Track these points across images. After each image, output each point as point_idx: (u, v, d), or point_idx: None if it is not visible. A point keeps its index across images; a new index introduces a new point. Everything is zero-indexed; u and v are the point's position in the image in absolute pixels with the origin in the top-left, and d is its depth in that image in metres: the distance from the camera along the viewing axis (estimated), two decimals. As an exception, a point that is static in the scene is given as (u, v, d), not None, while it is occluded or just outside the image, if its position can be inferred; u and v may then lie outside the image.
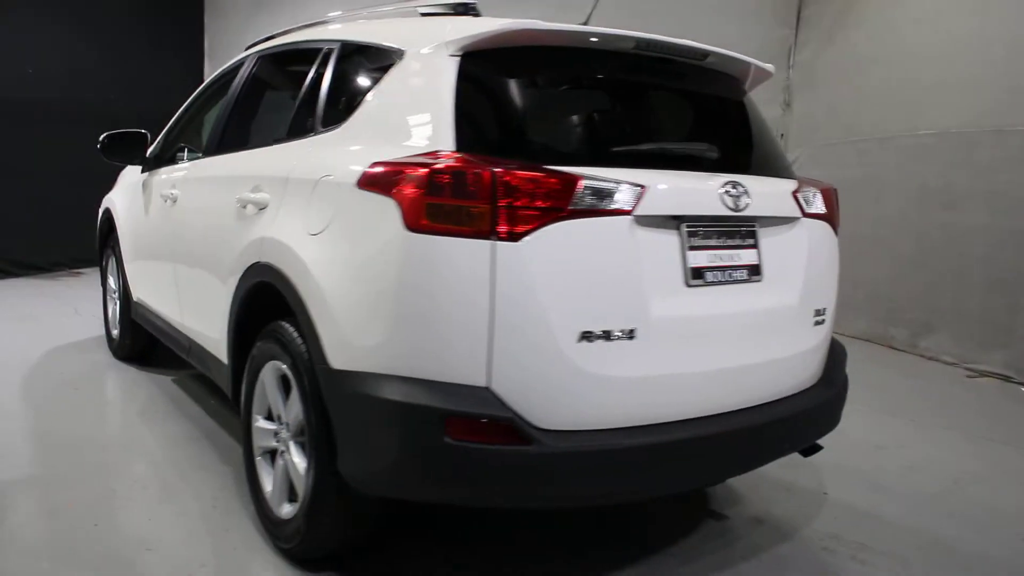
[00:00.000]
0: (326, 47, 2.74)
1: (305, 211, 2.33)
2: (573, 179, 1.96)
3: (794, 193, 2.43)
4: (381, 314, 2.01)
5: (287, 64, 3.11)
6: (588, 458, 1.98)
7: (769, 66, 2.63)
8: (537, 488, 1.98)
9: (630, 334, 2.02)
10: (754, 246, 2.31)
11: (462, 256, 1.91)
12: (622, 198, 2.01)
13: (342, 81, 2.57)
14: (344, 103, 2.49)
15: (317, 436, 2.22)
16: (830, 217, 2.59)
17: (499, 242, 1.90)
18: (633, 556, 2.63)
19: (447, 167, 1.93)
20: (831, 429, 2.75)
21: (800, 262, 2.43)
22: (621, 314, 2.01)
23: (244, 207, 2.71)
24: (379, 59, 2.40)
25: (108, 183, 4.79)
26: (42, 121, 7.60)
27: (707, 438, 2.14)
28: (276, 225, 2.47)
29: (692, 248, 2.16)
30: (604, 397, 2.01)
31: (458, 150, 1.99)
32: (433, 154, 1.99)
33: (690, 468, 2.17)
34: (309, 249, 2.25)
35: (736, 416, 2.22)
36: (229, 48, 8.53)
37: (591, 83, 2.36)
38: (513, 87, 2.16)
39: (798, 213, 2.43)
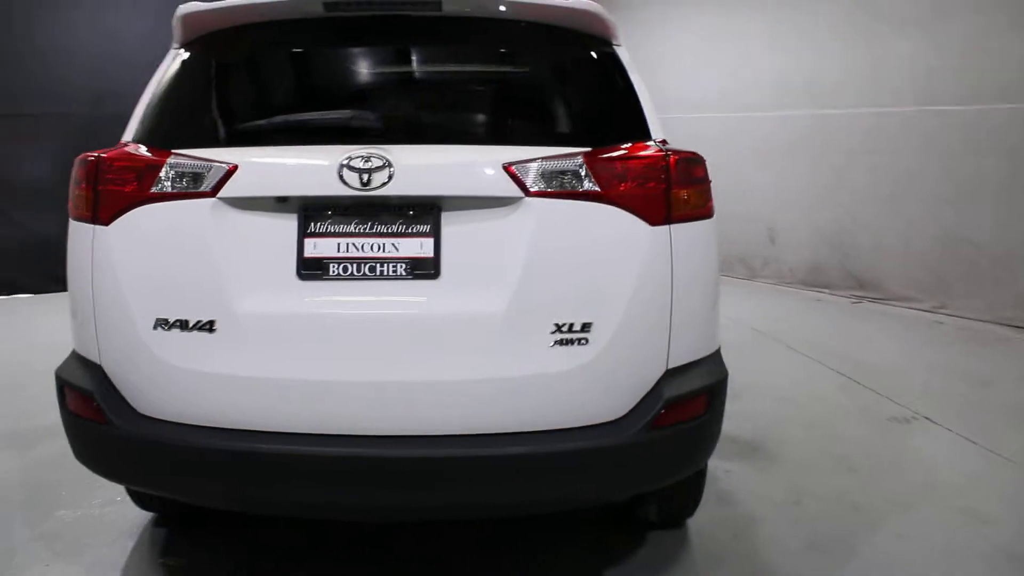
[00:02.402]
0: None
1: None
2: (156, 162, 1.89)
3: (509, 167, 1.85)
4: None
5: None
6: (151, 449, 1.88)
7: (572, 2, 2.00)
8: (117, 468, 1.97)
9: (209, 327, 1.86)
10: (429, 234, 1.85)
11: (78, 239, 2.00)
12: (205, 179, 1.86)
13: None
14: None
15: None
16: (630, 198, 1.87)
17: (96, 226, 1.95)
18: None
19: (79, 158, 2.03)
20: (631, 490, 2.03)
21: (517, 257, 1.84)
22: (199, 304, 1.86)
23: None
24: None
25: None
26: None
27: (320, 459, 1.82)
28: None
29: (311, 235, 1.86)
30: (184, 389, 1.88)
31: (133, 141, 2.07)
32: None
33: (292, 491, 1.85)
34: None
35: (380, 443, 1.82)
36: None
37: (275, 58, 2.15)
38: (200, 73, 2.12)
39: (517, 192, 1.85)
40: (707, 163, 2.10)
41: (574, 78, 2.15)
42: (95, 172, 1.95)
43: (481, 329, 1.83)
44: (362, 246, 1.85)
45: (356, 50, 2.13)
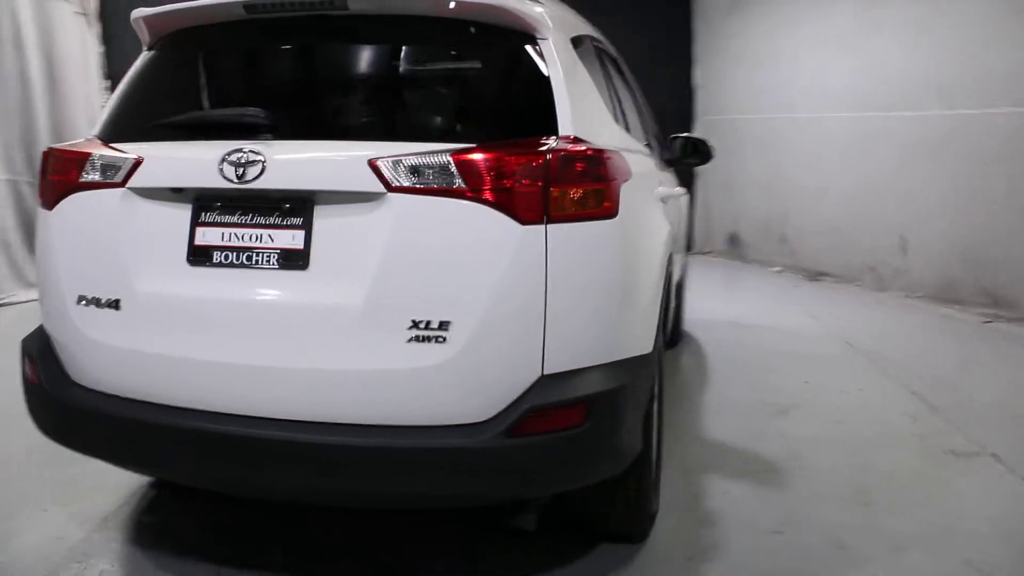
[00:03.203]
0: None
1: None
2: (85, 155, 2.09)
3: (373, 162, 1.85)
4: None
5: None
6: (75, 413, 2.09)
7: None
8: (50, 427, 2.18)
9: (115, 304, 2.03)
10: (301, 227, 1.91)
11: (38, 223, 2.26)
12: (117, 171, 2.03)
13: None
14: None
15: None
16: (498, 195, 1.82)
17: (45, 211, 2.19)
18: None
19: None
20: (489, 494, 2.00)
21: (377, 252, 1.85)
22: (108, 283, 2.04)
23: None
24: None
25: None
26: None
27: (200, 433, 1.94)
28: None
29: (202, 224, 1.98)
30: (99, 360, 2.07)
31: (98, 136, 2.30)
32: None
33: (180, 460, 2.00)
34: None
35: (250, 423, 1.91)
36: (715, 52, 8.70)
37: (199, 59, 2.27)
38: (146, 73, 2.29)
39: (379, 188, 1.85)
40: (608, 161, 1.99)
41: (477, 73, 2.12)
42: (46, 163, 2.19)
43: (340, 321, 1.87)
44: (242, 236, 1.95)
45: (267, 50, 2.24)
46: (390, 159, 1.84)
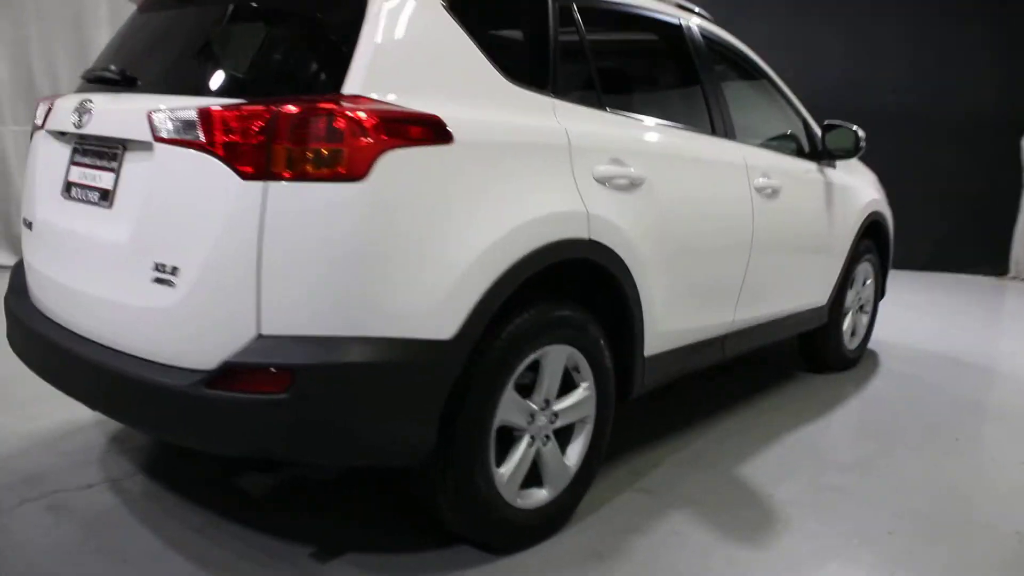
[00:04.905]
0: None
1: None
2: (39, 103, 2.52)
3: (150, 114, 1.96)
4: None
5: None
6: (18, 328, 2.53)
7: None
8: (8, 337, 2.63)
9: (30, 226, 2.44)
10: (114, 170, 2.11)
11: None
12: (41, 115, 2.42)
13: None
14: None
15: None
16: (223, 149, 1.84)
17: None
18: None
19: None
20: (183, 439, 2.12)
21: (140, 196, 2.02)
22: (29, 208, 2.48)
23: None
24: None
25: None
26: (888, 124, 7.11)
27: (50, 344, 2.26)
28: None
29: (73, 163, 2.29)
30: (28, 275, 2.50)
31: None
32: None
33: (45, 365, 2.35)
34: None
35: (73, 340, 2.19)
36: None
37: (132, 20, 2.50)
38: (121, 32, 2.64)
39: (148, 138, 1.97)
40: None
41: (290, 30, 2.12)
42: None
43: (113, 255, 2.06)
44: (87, 175, 2.23)
45: (162, 11, 2.44)
46: (160, 112, 1.95)
